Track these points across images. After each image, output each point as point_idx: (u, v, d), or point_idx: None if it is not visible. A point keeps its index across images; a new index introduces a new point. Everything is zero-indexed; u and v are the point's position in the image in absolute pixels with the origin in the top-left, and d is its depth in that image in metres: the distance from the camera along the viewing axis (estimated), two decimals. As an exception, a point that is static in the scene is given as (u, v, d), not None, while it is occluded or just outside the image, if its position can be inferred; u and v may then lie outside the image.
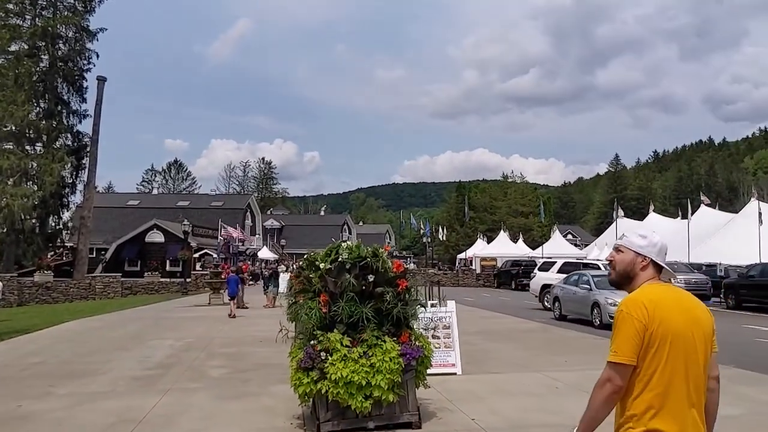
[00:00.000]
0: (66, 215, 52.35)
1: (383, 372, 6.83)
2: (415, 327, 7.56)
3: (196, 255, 51.17)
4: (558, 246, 52.85)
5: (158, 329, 18.67)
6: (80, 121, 50.05)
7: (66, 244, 54.02)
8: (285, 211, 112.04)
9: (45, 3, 48.38)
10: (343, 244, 7.56)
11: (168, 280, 45.50)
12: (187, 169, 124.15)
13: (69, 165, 48.19)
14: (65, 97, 49.15)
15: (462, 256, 65.00)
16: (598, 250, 47.47)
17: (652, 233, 2.91)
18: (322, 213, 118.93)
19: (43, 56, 47.68)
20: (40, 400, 8.94)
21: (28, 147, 47.51)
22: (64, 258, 53.73)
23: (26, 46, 46.40)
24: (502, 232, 63.52)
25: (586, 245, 62.73)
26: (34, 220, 46.79)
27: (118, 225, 61.18)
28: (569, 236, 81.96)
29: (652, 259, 2.83)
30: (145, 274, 46.94)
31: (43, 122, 46.92)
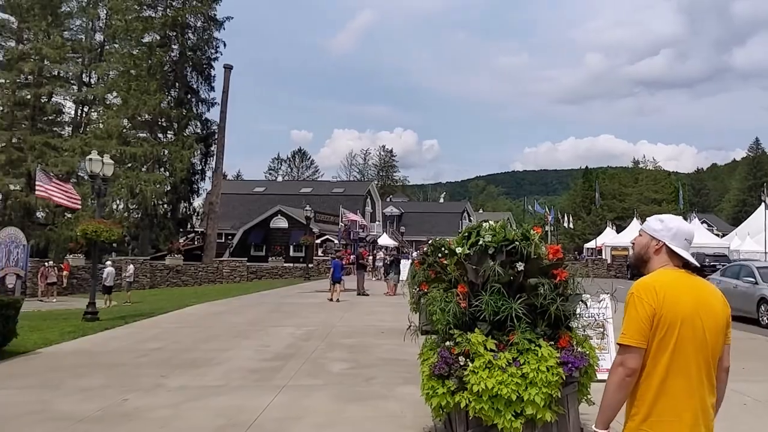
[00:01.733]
0: (196, 201, 54.24)
1: (538, 384, 5.45)
2: (574, 327, 6.13)
3: (318, 241, 51.39)
4: (696, 235, 48.65)
5: (279, 315, 18.12)
6: (208, 109, 51.48)
7: (197, 230, 55.95)
8: (404, 198, 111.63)
9: (175, -6, 49.95)
10: (484, 224, 6.22)
11: (291, 265, 45.86)
12: (310, 158, 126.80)
13: (198, 152, 49.69)
14: (194, 86, 50.64)
15: (590, 245, 61.69)
16: (740, 240, 43.28)
17: (671, 218, 2.87)
18: (441, 200, 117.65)
19: (173, 46, 49.26)
20: (148, 393, 8.25)
21: (160, 135, 49.44)
22: (196, 243, 55.65)
23: (158, 37, 48.06)
24: (634, 220, 59.64)
25: (724, 234, 57.69)
26: (165, 206, 48.61)
27: (245, 211, 62.73)
28: (704, 225, 76.21)
29: (666, 244, 2.81)
30: (269, 259, 47.55)
31: (174, 110, 48.50)
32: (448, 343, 5.83)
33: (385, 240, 58.80)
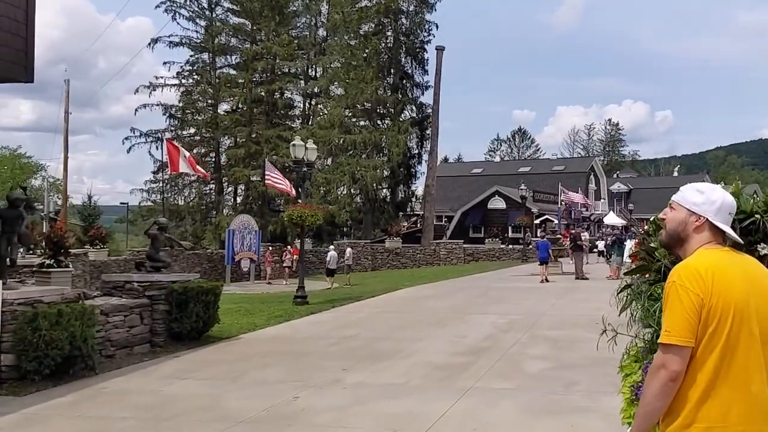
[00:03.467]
0: (415, 185, 54.88)
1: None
2: None
3: (537, 221, 49.36)
4: None
5: (485, 301, 17.04)
6: (423, 93, 51.61)
7: (417, 213, 56.68)
8: (633, 173, 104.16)
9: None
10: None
11: (509, 246, 44.51)
12: (530, 137, 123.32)
13: (414, 136, 50.05)
14: (408, 71, 51.01)
15: None
16: None
17: (713, 188, 2.45)
18: (676, 174, 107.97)
19: (387, 33, 49.94)
20: (321, 391, 7.65)
21: (378, 121, 50.60)
22: (418, 225, 56.40)
23: (372, 25, 49.00)
24: None
25: None
26: (384, 190, 49.68)
27: (463, 193, 62.32)
28: None
29: (708, 220, 2.38)
30: (486, 240, 46.61)
31: (390, 96, 49.24)
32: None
33: (611, 219, 54.96)
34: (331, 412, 6.69)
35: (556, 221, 47.59)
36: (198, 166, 27.86)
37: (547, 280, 22.14)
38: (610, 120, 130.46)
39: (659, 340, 2.28)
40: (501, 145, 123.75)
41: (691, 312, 2.23)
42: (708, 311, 2.23)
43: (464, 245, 43.43)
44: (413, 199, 55.36)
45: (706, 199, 2.41)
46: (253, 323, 13.50)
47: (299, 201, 18.76)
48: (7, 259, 8.62)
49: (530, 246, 39.07)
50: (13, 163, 63.17)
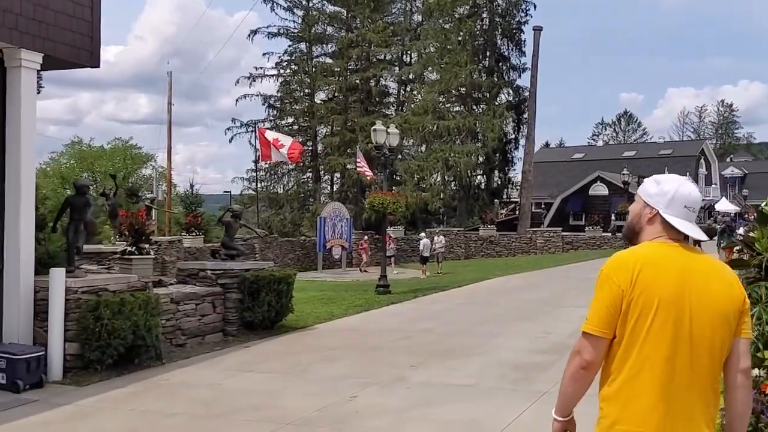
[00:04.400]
0: (512, 171, 53.44)
1: None
2: None
3: (641, 208, 46.76)
4: None
5: (578, 293, 15.96)
6: (519, 76, 50.04)
7: (514, 200, 55.22)
8: (748, 157, 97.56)
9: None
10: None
11: (611, 234, 42.46)
12: (637, 120, 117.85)
13: (510, 120, 48.63)
14: (505, 53, 49.57)
15: None
16: None
17: (670, 179, 2.34)
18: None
19: (482, 15, 48.66)
20: (383, 390, 7.13)
21: (474, 106, 49.50)
22: (515, 213, 54.97)
23: (467, 7, 47.86)
24: None
25: None
26: (479, 177, 48.60)
27: (563, 179, 60.15)
28: None
29: (659, 212, 2.30)
30: (587, 228, 44.66)
31: (485, 80, 48.02)
32: (757, 372, 3.55)
33: (724, 205, 51.63)
34: (386, 416, 6.15)
35: (661, 208, 44.99)
36: (282, 149, 28.01)
37: None
38: (723, 101, 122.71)
39: (581, 327, 2.27)
40: (605, 129, 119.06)
41: (611, 303, 2.20)
42: (629, 304, 2.18)
43: (563, 233, 41.81)
44: (510, 186, 53.97)
45: (660, 190, 2.33)
46: (331, 313, 13.17)
47: (395, 188, 18.62)
48: (75, 247, 8.57)
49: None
50: (125, 153, 66.30)
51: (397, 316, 12.94)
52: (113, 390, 7.33)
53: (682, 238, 2.30)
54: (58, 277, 7.90)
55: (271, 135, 33.84)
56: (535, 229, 43.59)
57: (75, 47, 8.59)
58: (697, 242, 2.40)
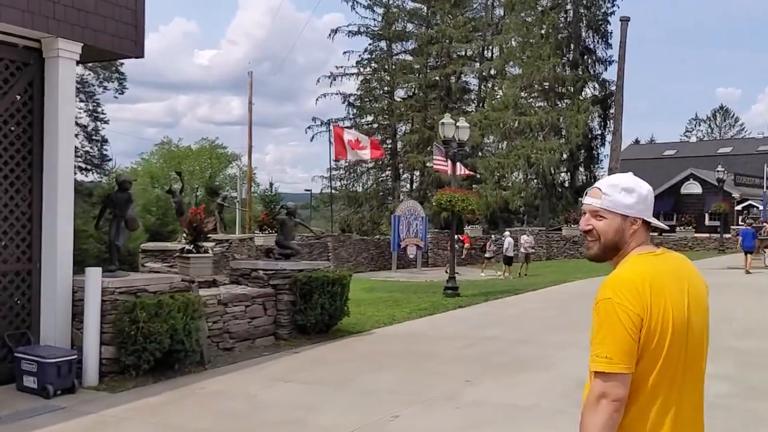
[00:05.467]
0: (597, 168, 51.37)
1: None
2: None
3: (738, 207, 43.93)
4: None
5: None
6: (606, 69, 47.98)
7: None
8: None
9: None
10: None
11: (705, 235, 39.95)
12: (734, 115, 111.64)
13: (595, 115, 46.67)
14: (590, 45, 47.64)
15: None
16: None
17: (637, 183, 2.19)
18: None
19: (566, 6, 46.92)
20: (429, 409, 6.38)
21: (557, 101, 47.81)
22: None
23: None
24: None
25: None
26: (562, 174, 46.87)
27: (653, 176, 57.19)
28: None
29: (645, 220, 2.17)
30: (677, 229, 42.22)
31: (569, 74, 46.27)
32: None
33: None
34: (426, 442, 5.41)
35: (761, 207, 42.10)
36: (359, 149, 27.53)
37: (749, 272, 21.10)
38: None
39: (595, 368, 2.00)
40: (699, 125, 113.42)
41: (633, 334, 1.98)
42: (647, 330, 2.00)
43: (652, 233, 39.63)
44: (595, 184, 51.93)
45: (638, 197, 2.18)
46: (393, 316, 12.49)
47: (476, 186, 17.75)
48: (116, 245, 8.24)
49: (730, 235, 34.77)
50: (211, 153, 67.92)
51: (462, 321, 12.12)
52: (144, 398, 6.90)
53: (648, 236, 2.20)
54: (93, 276, 7.55)
55: (349, 134, 33.59)
56: (622, 229, 41.58)
57: (117, 36, 8.24)
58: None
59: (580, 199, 51.63)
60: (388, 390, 7.10)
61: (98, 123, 42.40)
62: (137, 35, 8.51)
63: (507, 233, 31.06)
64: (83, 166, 40.68)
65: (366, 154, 33.15)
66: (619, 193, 2.16)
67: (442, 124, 15.43)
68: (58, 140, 7.66)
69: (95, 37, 7.92)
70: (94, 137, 42.63)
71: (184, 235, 13.55)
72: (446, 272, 29.04)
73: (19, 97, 7.58)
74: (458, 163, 26.15)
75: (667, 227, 2.18)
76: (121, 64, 37.00)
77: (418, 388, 7.14)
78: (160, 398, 6.91)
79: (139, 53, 8.61)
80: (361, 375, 7.84)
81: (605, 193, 2.18)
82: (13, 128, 7.54)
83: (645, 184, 2.22)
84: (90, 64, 36.23)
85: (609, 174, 44.47)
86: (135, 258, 19.79)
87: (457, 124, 15.55)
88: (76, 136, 39.77)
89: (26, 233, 7.60)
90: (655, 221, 2.25)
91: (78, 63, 8.08)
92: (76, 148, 40.80)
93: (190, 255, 12.34)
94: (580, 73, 46.92)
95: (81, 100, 39.23)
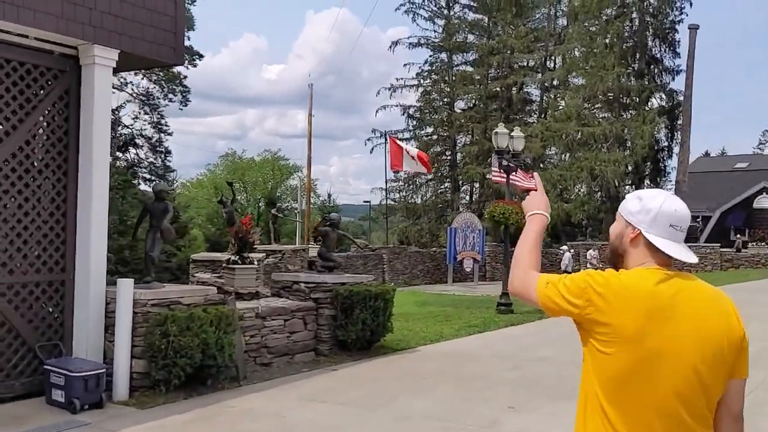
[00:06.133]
0: (664, 181, 49.71)
1: None
2: None
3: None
4: None
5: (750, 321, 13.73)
6: (673, 79, 46.38)
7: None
8: None
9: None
10: None
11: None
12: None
13: (662, 126, 45.10)
14: (656, 54, 46.12)
15: None
16: None
17: (653, 195, 2.12)
18: None
19: (632, 14, 45.62)
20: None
21: (621, 112, 46.48)
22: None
23: (615, 7, 45.08)
24: None
25: None
26: (627, 187, 45.41)
27: (723, 190, 54.94)
28: None
29: (642, 233, 2.08)
30: (749, 244, 40.23)
31: (634, 84, 44.91)
32: None
33: None
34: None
35: (843, 223, 39.75)
36: (417, 160, 27.09)
37: None
38: None
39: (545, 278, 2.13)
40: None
41: (571, 297, 2.05)
42: (618, 339, 1.97)
43: (721, 249, 37.86)
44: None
45: (642, 207, 2.09)
46: (440, 333, 12.02)
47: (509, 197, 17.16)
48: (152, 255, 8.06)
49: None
50: (273, 164, 68.83)
51: (514, 339, 11.55)
52: (171, 416, 6.65)
53: (670, 261, 2.07)
54: (125, 288, 7.37)
55: (403, 146, 33.30)
56: (689, 244, 39.71)
57: (156, 43, 8.11)
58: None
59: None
60: (424, 415, 6.65)
61: (162, 135, 43.33)
62: (176, 42, 8.37)
63: (565, 247, 30.15)
64: (147, 176, 41.57)
65: (418, 166, 32.93)
66: (633, 199, 2.15)
67: (496, 133, 14.92)
68: (92, 149, 7.54)
69: (132, 44, 7.80)
70: (158, 148, 43.56)
71: (231, 245, 13.41)
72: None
73: (54, 105, 7.51)
74: (519, 175, 25.60)
75: (686, 260, 1.90)
76: (185, 77, 37.73)
77: (456, 413, 6.67)
78: (185, 416, 6.65)
79: (178, 60, 8.50)
80: (398, 397, 7.40)
81: (626, 198, 2.21)
82: (48, 136, 7.48)
83: (663, 200, 2.08)
84: (154, 78, 37.13)
85: (676, 187, 42.91)
86: (188, 268, 19.88)
87: (512, 134, 15.02)
88: (141, 147, 40.75)
89: (60, 243, 7.50)
90: (657, 241, 2.03)
91: (115, 71, 7.98)
92: (140, 159, 41.58)
93: (235, 266, 12.17)
94: (646, 83, 45.46)
95: (146, 113, 40.18)
